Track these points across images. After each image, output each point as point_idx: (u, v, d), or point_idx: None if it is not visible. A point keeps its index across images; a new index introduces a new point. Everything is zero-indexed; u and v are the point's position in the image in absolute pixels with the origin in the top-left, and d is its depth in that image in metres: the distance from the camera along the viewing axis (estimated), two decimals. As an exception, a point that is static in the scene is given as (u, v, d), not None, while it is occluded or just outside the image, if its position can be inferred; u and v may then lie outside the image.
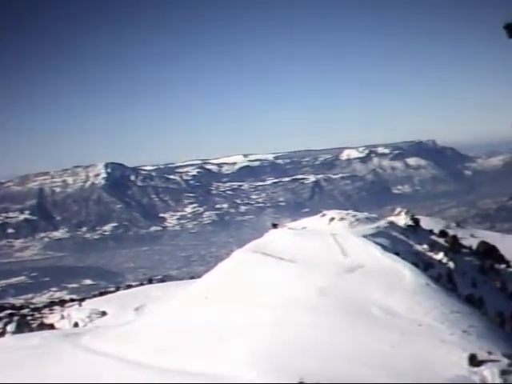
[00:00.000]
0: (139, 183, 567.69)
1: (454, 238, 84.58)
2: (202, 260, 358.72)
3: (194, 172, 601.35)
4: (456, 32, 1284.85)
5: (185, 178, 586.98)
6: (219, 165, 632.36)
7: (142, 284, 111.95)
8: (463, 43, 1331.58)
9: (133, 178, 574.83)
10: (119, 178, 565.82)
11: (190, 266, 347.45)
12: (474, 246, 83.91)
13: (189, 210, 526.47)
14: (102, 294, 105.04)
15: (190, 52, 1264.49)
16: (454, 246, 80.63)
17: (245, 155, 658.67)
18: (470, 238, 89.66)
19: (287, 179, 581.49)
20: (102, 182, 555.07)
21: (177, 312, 55.12)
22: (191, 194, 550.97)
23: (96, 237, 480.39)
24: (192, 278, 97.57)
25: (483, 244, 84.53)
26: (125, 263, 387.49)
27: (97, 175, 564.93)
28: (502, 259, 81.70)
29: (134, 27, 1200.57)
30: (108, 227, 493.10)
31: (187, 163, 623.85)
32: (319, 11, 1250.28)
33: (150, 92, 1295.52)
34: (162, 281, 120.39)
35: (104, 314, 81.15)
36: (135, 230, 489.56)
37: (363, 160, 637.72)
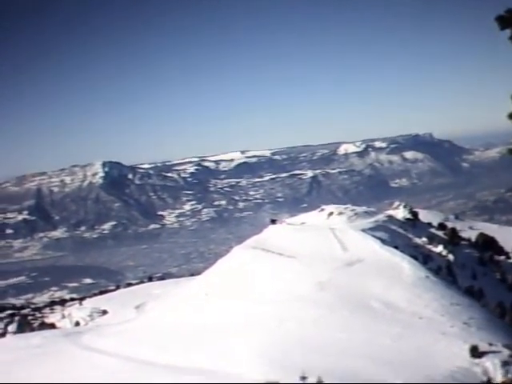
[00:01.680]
0: (137, 181, 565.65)
1: (453, 230, 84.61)
2: (202, 257, 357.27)
3: (192, 169, 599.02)
4: (451, 25, 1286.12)
5: (182, 175, 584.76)
6: (217, 162, 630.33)
7: (142, 282, 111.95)
8: (458, 36, 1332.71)
9: (130, 176, 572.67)
10: (117, 176, 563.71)
11: (189, 263, 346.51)
12: (473, 238, 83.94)
13: (187, 207, 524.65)
14: (102, 292, 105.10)
15: (186, 50, 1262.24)
16: (453, 239, 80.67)
17: (242, 152, 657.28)
18: (469, 230, 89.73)
19: (285, 175, 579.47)
20: (100, 180, 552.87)
21: (177, 309, 55.15)
22: (189, 192, 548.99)
23: (95, 236, 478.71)
24: (192, 275, 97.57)
25: (482, 236, 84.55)
26: (124, 261, 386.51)
27: (94, 174, 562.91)
28: (501, 251, 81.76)
29: (132, 27, 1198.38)
30: (107, 226, 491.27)
31: (184, 161, 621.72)
32: (317, 10, 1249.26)
33: (146, 90, 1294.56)
34: (161, 278, 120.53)
35: (105, 312, 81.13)
36: (134, 228, 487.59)
37: (360, 154, 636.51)
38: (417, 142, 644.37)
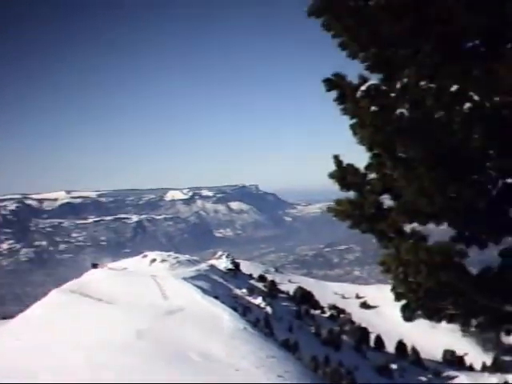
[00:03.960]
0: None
1: (273, 282, 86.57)
2: (17, 299, 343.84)
3: (13, 206, 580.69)
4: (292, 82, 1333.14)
5: (2, 212, 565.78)
6: (40, 200, 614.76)
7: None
8: (284, 94, 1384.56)
9: None
10: None
11: (3, 305, 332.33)
12: (292, 292, 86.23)
13: (4, 246, 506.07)
14: None
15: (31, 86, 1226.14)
16: (272, 291, 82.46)
17: (67, 191, 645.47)
18: (288, 284, 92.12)
19: (110, 218, 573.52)
20: None
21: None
22: (8, 230, 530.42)
23: None
24: (4, 318, 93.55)
25: (300, 290, 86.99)
26: None
27: None
28: (317, 305, 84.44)
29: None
30: None
31: (5, 197, 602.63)
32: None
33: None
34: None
35: None
36: None
37: (187, 202, 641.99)
38: (243, 193, 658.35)
